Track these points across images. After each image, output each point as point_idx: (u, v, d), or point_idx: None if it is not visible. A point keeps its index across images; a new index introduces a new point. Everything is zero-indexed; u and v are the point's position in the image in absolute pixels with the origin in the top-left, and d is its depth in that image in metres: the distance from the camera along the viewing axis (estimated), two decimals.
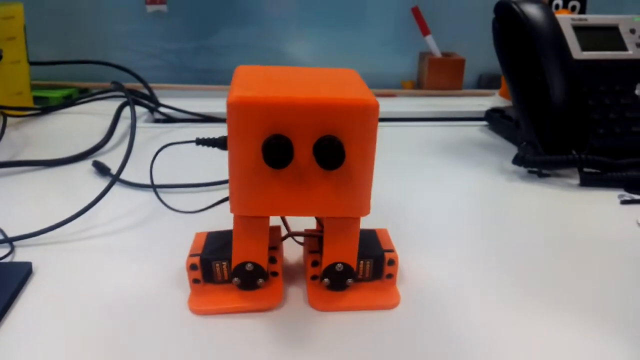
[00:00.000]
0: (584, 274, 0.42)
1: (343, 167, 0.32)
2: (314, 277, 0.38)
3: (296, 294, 0.39)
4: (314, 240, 0.40)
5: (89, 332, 0.34)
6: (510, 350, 0.33)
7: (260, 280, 0.37)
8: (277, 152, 0.31)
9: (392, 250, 0.38)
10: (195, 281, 0.37)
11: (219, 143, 0.35)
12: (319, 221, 0.40)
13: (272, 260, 0.37)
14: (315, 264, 0.38)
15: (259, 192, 0.33)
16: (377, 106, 0.32)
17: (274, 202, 0.33)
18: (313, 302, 0.37)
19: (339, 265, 0.36)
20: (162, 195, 0.53)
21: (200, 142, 0.37)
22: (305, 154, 0.32)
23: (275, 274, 0.38)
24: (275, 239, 0.39)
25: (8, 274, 0.39)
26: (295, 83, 0.34)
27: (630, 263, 0.43)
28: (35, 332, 0.34)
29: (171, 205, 0.49)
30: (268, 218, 0.35)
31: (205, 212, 0.47)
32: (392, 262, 0.38)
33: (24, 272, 0.40)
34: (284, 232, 0.40)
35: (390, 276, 0.38)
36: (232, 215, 0.35)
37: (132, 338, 0.34)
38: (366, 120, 0.32)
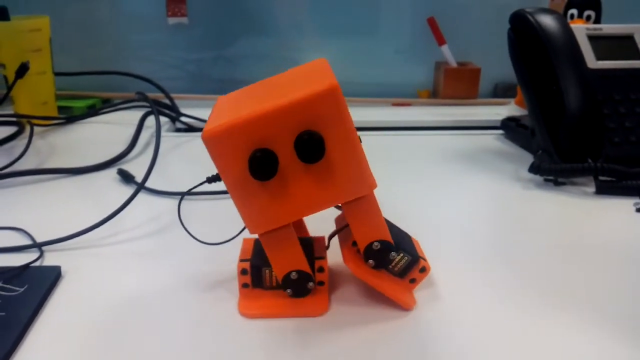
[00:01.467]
0: (600, 281, 0.42)
1: (328, 154, 0.33)
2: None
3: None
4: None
5: (120, 335, 0.36)
6: (521, 355, 0.34)
7: (311, 284, 0.38)
8: (261, 165, 0.33)
9: (426, 260, 0.39)
10: (244, 285, 0.39)
11: (213, 179, 0.37)
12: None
13: (320, 269, 0.39)
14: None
15: (264, 206, 0.34)
16: (334, 87, 0.32)
17: (282, 210, 0.35)
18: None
19: (375, 243, 0.37)
20: (184, 204, 0.54)
21: (209, 180, 0.38)
22: (290, 157, 0.33)
23: (322, 283, 0.39)
24: (320, 249, 0.40)
25: (38, 277, 0.41)
26: (263, 95, 0.35)
27: None
28: (66, 335, 0.36)
29: (194, 213, 0.51)
30: (289, 225, 0.36)
31: (226, 219, 0.48)
32: (423, 270, 0.39)
33: (53, 276, 0.41)
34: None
35: (414, 281, 0.39)
36: None
37: (162, 341, 0.35)
38: (330, 103, 0.33)
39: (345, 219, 0.37)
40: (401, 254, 0.38)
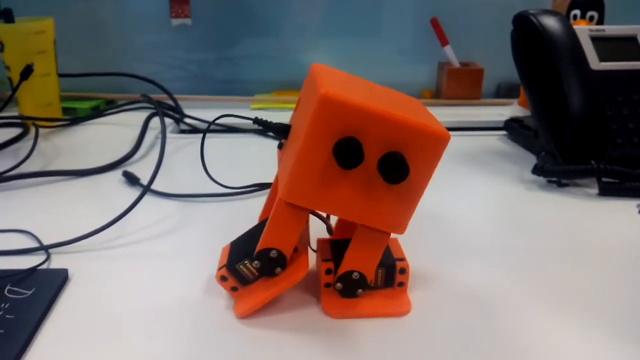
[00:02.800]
0: (603, 282, 0.43)
1: (401, 185, 0.34)
2: (327, 285, 0.39)
3: (309, 301, 0.40)
4: (327, 248, 0.41)
5: (127, 337, 0.36)
6: (523, 357, 0.35)
7: (279, 269, 0.37)
8: (350, 153, 0.33)
9: (403, 259, 0.40)
10: (233, 289, 0.39)
11: (276, 129, 0.37)
12: (342, 226, 0.42)
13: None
14: (328, 271, 0.39)
15: (318, 186, 0.34)
16: (448, 139, 0.34)
17: (323, 197, 0.35)
18: (327, 309, 0.39)
19: (356, 274, 0.38)
20: (189, 206, 0.55)
21: (257, 121, 0.38)
22: (370, 163, 0.34)
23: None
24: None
25: (46, 280, 0.41)
26: (374, 94, 0.36)
27: None
28: (74, 337, 0.36)
29: (199, 215, 0.51)
30: (308, 212, 0.36)
31: (232, 221, 0.49)
32: (403, 271, 0.39)
33: (60, 279, 0.42)
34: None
35: (402, 284, 0.40)
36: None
37: (169, 343, 0.36)
38: (436, 148, 0.34)
39: (352, 236, 0.37)
40: (376, 269, 0.39)
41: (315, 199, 0.35)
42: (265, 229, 0.36)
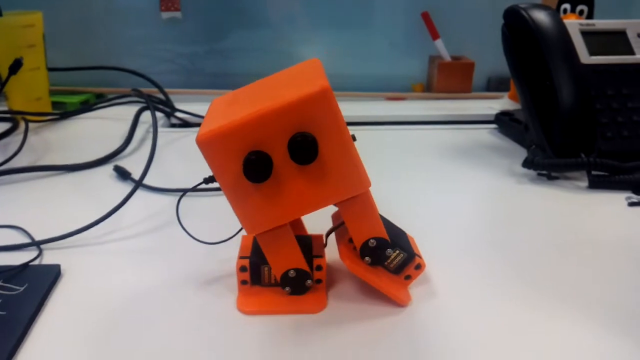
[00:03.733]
0: (592, 274, 0.43)
1: (322, 155, 0.34)
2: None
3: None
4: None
5: (120, 333, 0.36)
6: (517, 349, 0.35)
7: (309, 282, 0.38)
8: (255, 168, 0.33)
9: (421, 257, 0.40)
10: (243, 282, 0.39)
11: (209, 180, 0.37)
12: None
13: (318, 268, 0.39)
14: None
15: (260, 207, 0.35)
16: (326, 89, 0.33)
17: (278, 211, 0.35)
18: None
19: (371, 241, 0.37)
20: (184, 200, 0.55)
21: (205, 181, 0.38)
22: (284, 158, 0.34)
23: (319, 281, 0.40)
24: (318, 247, 0.40)
25: (38, 276, 0.41)
26: (256, 97, 0.35)
27: (638, 264, 0.45)
28: (68, 333, 0.36)
29: (193, 212, 0.51)
30: (286, 224, 0.36)
31: (224, 216, 0.49)
32: (419, 267, 0.39)
33: (53, 275, 0.41)
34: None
35: (409, 277, 0.40)
36: None
37: (162, 338, 0.36)
38: (322, 105, 0.33)
39: (341, 216, 0.38)
40: (397, 251, 0.38)
41: (273, 218, 0.35)
42: (268, 260, 0.38)
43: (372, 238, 0.37)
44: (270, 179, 0.34)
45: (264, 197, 0.35)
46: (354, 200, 0.36)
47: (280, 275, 0.38)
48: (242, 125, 0.33)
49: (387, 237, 0.38)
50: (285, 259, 0.38)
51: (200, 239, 0.42)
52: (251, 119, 0.33)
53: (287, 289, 0.39)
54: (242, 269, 0.39)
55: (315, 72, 0.36)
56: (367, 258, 0.38)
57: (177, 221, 0.50)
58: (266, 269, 0.39)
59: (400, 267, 0.39)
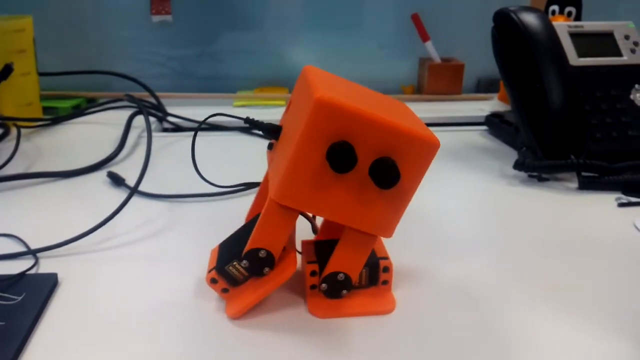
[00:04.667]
0: (583, 275, 0.44)
1: (391, 190, 0.35)
2: (312, 287, 0.40)
3: (296, 302, 0.41)
4: (311, 250, 0.42)
5: (119, 341, 0.36)
6: (507, 351, 0.35)
7: (267, 269, 0.38)
8: (344, 157, 0.33)
9: (386, 258, 0.40)
10: (224, 291, 0.39)
11: (267, 130, 0.38)
12: (328, 227, 0.42)
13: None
14: (313, 273, 0.39)
15: (310, 189, 0.35)
16: (438, 146, 0.35)
17: (315, 200, 0.35)
18: (312, 310, 0.39)
19: (341, 275, 0.38)
20: (176, 206, 0.55)
21: (249, 121, 0.39)
22: (362, 167, 0.34)
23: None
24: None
25: (36, 285, 0.41)
26: (366, 99, 0.36)
27: (628, 264, 0.45)
28: (67, 342, 0.36)
29: (186, 215, 0.51)
30: (298, 213, 0.36)
31: (219, 221, 0.49)
32: (386, 269, 0.40)
33: (50, 284, 0.41)
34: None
35: (386, 282, 0.40)
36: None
37: (159, 345, 0.36)
38: (426, 155, 0.35)
39: (340, 236, 0.38)
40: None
41: (307, 202, 0.35)
42: (255, 228, 0.37)
43: (344, 273, 0.38)
44: (336, 174, 0.34)
45: (319, 181, 0.35)
46: (365, 238, 0.37)
47: (252, 247, 0.37)
48: (370, 119, 0.33)
49: (354, 280, 0.38)
50: (269, 237, 0.37)
51: (196, 244, 0.42)
52: (379, 120, 0.33)
53: (244, 262, 0.37)
54: (212, 281, 0.39)
55: (418, 119, 0.38)
56: (323, 285, 0.38)
57: (172, 228, 0.50)
58: (231, 267, 0.38)
59: (371, 278, 0.40)
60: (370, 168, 0.34)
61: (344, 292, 0.39)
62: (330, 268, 0.38)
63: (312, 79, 0.36)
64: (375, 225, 0.36)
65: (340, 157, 0.33)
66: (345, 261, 0.38)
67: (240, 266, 0.38)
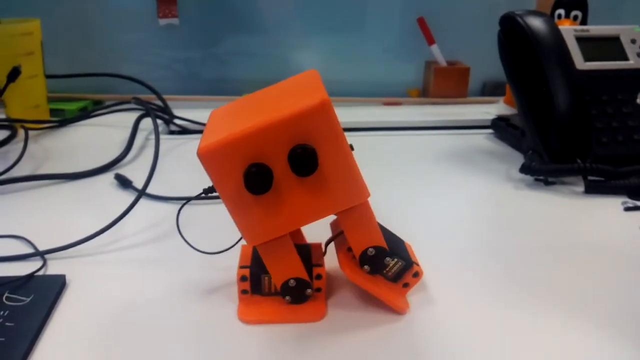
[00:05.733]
0: (589, 278, 0.44)
1: (321, 166, 0.34)
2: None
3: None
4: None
5: (126, 343, 0.36)
6: (515, 355, 0.36)
7: (309, 290, 0.39)
8: (256, 180, 0.34)
9: (418, 265, 0.40)
10: (243, 292, 0.40)
11: (209, 191, 0.38)
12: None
13: (318, 277, 0.40)
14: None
15: (260, 218, 0.35)
16: (325, 102, 0.33)
17: (278, 222, 0.36)
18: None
19: (370, 249, 0.38)
20: (184, 209, 0.55)
21: (205, 192, 0.39)
22: (284, 170, 0.34)
23: (319, 289, 0.40)
24: (318, 256, 0.41)
25: (44, 286, 0.41)
26: (255, 109, 0.36)
27: (633, 268, 0.45)
28: (75, 344, 0.36)
29: (194, 218, 0.51)
30: (285, 234, 0.37)
31: (226, 224, 0.49)
32: (416, 275, 0.40)
33: (58, 285, 0.42)
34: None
35: (407, 285, 0.40)
36: None
37: (165, 347, 0.36)
38: (321, 118, 0.33)
39: (340, 226, 0.38)
40: (395, 259, 0.39)
41: (274, 228, 0.36)
42: (268, 270, 0.38)
43: (371, 247, 0.38)
44: (271, 191, 0.34)
45: (264, 208, 0.35)
46: (353, 210, 0.37)
47: (280, 284, 0.38)
48: (242, 138, 0.33)
49: (385, 246, 0.38)
50: (285, 268, 0.38)
51: (201, 249, 0.43)
52: (251, 132, 0.33)
53: (287, 298, 0.39)
54: (242, 278, 0.39)
55: (314, 84, 0.37)
56: (366, 267, 0.38)
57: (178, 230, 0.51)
58: (266, 278, 0.39)
59: (399, 275, 0.40)
60: (291, 167, 0.34)
61: (388, 259, 0.39)
62: (356, 251, 0.38)
63: (205, 130, 0.37)
64: (346, 198, 0.36)
65: (254, 182, 0.34)
66: (361, 237, 0.38)
67: (272, 283, 0.39)
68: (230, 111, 0.38)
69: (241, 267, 0.40)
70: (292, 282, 0.38)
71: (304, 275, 0.38)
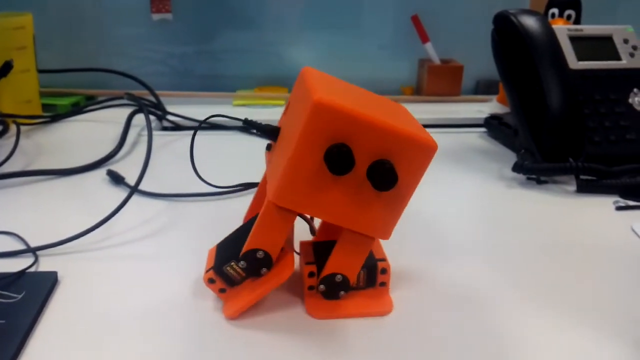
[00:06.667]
0: (581, 277, 0.44)
1: (389, 192, 0.35)
2: (310, 287, 0.40)
3: (294, 302, 0.41)
4: (310, 251, 0.42)
5: (119, 339, 0.36)
6: (503, 353, 0.36)
7: (265, 270, 0.38)
8: (342, 160, 0.34)
9: (384, 260, 0.41)
10: (221, 291, 0.39)
11: (265, 131, 0.38)
12: (326, 229, 0.42)
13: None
14: (311, 274, 0.40)
15: (308, 190, 0.35)
16: (436, 149, 0.35)
17: (312, 202, 0.35)
18: (310, 311, 0.39)
19: (339, 276, 0.38)
20: (175, 205, 0.55)
21: (247, 122, 0.39)
22: (360, 169, 0.34)
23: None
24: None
25: (35, 283, 0.41)
26: (365, 101, 0.36)
27: (625, 267, 0.46)
28: (67, 341, 0.36)
29: (185, 215, 0.51)
30: (296, 215, 0.36)
31: (218, 221, 0.49)
32: (384, 271, 0.40)
33: (50, 282, 0.42)
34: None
35: (384, 284, 0.41)
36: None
37: (158, 344, 0.36)
38: (424, 157, 0.35)
39: (337, 239, 0.38)
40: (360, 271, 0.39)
41: (305, 203, 0.35)
42: (252, 229, 0.37)
43: (340, 274, 0.38)
44: (332, 175, 0.34)
45: (316, 183, 0.35)
46: (363, 239, 0.37)
47: (249, 248, 0.37)
48: (363, 118, 0.33)
49: (352, 281, 0.39)
50: (268, 238, 0.37)
51: (193, 246, 0.43)
52: (374, 120, 0.33)
53: (242, 263, 0.37)
54: (210, 281, 0.39)
55: (416, 122, 0.38)
56: (322, 286, 0.39)
57: (171, 227, 0.51)
58: (229, 268, 0.38)
59: (369, 280, 0.40)
60: (368, 170, 0.34)
61: (342, 293, 0.39)
62: (328, 269, 0.38)
63: (311, 81, 0.36)
64: (373, 227, 0.36)
65: (338, 159, 0.34)
66: (343, 263, 0.38)
67: (238, 267, 0.38)
68: (335, 83, 0.38)
69: (206, 271, 0.39)
70: (260, 254, 0.37)
71: (274, 255, 0.37)
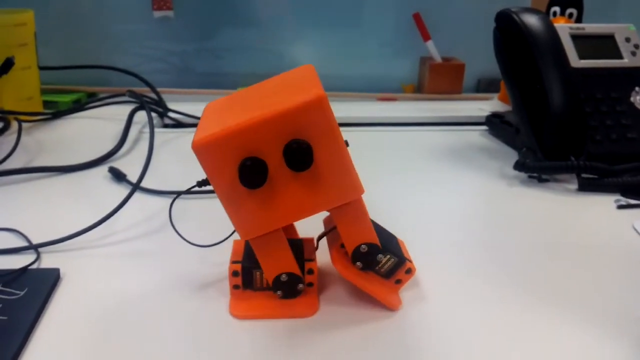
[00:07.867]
0: (582, 276, 0.44)
1: (316, 162, 0.34)
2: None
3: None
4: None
5: (119, 336, 0.36)
6: (509, 352, 0.36)
7: (300, 285, 0.39)
8: (250, 174, 0.34)
9: (411, 262, 0.40)
10: (235, 287, 0.40)
11: (203, 183, 0.38)
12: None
13: (310, 271, 0.40)
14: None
15: (254, 212, 0.35)
16: (322, 97, 0.33)
17: (271, 216, 0.36)
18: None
19: (363, 246, 0.38)
20: (177, 202, 0.55)
21: (199, 185, 0.39)
22: (279, 165, 0.34)
23: (311, 284, 0.40)
24: (310, 251, 0.41)
25: (38, 280, 0.41)
26: (251, 104, 0.36)
27: (627, 266, 0.46)
28: (69, 338, 0.36)
29: (188, 212, 0.51)
30: (279, 229, 0.37)
31: (220, 218, 0.49)
32: (409, 271, 0.40)
33: (52, 278, 0.42)
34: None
35: (399, 282, 0.40)
36: None
37: (158, 341, 0.36)
38: (317, 113, 0.33)
39: (334, 222, 0.38)
40: (388, 256, 0.39)
41: (267, 223, 0.36)
42: (261, 264, 0.38)
43: (363, 244, 0.38)
44: (265, 185, 0.34)
45: (258, 203, 0.35)
46: (347, 207, 0.37)
47: (272, 279, 0.38)
48: (237, 132, 0.33)
49: (378, 243, 0.38)
50: (277, 263, 0.38)
51: (194, 242, 0.43)
52: (246, 125, 0.33)
53: (279, 292, 0.39)
54: (234, 273, 0.39)
55: (310, 78, 0.37)
56: (358, 263, 0.39)
57: (174, 224, 0.50)
58: (258, 273, 0.39)
59: (391, 271, 0.40)
60: (284, 160, 0.34)
61: (380, 255, 0.39)
62: (349, 247, 0.38)
63: (199, 123, 0.36)
64: (341, 194, 0.36)
65: (248, 175, 0.34)
66: (354, 234, 0.38)
67: (264, 278, 0.39)
68: (225, 105, 0.38)
69: (233, 262, 0.40)
70: (283, 277, 0.38)
71: (296, 270, 0.38)
